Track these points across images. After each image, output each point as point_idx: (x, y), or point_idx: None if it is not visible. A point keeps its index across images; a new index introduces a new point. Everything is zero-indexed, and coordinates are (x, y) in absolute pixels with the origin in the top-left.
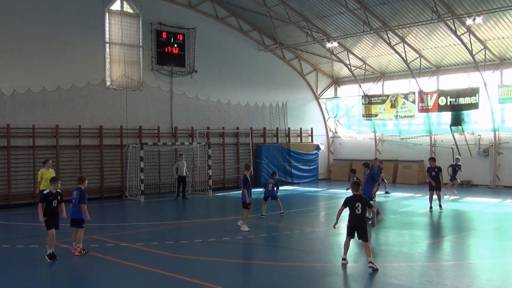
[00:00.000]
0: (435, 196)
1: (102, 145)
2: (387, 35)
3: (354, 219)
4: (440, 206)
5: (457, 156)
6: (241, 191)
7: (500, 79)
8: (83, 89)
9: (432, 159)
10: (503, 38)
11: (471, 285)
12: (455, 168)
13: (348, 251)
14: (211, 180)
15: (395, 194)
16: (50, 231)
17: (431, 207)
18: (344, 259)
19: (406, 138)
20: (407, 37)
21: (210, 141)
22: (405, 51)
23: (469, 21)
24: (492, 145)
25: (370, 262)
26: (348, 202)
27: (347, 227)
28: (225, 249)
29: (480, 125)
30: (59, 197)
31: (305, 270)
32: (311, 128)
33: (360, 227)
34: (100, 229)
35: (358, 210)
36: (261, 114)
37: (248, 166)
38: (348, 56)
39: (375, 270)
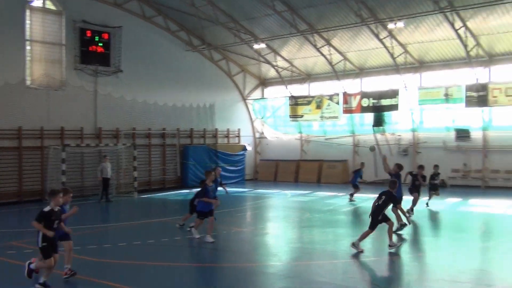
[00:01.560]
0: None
1: (21, 147)
2: (313, 38)
3: (373, 208)
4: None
5: None
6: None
7: (420, 82)
8: (1, 88)
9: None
10: (423, 42)
11: (392, 280)
12: None
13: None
14: (136, 182)
15: (319, 193)
16: (48, 261)
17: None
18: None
19: (330, 138)
20: (332, 40)
21: (136, 142)
22: (330, 54)
23: (391, 25)
24: (411, 145)
25: (389, 245)
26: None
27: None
28: (150, 252)
29: (400, 125)
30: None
31: (232, 270)
32: (238, 129)
33: (373, 216)
34: (19, 234)
35: (379, 202)
36: (188, 115)
37: (209, 172)
38: (276, 58)
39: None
